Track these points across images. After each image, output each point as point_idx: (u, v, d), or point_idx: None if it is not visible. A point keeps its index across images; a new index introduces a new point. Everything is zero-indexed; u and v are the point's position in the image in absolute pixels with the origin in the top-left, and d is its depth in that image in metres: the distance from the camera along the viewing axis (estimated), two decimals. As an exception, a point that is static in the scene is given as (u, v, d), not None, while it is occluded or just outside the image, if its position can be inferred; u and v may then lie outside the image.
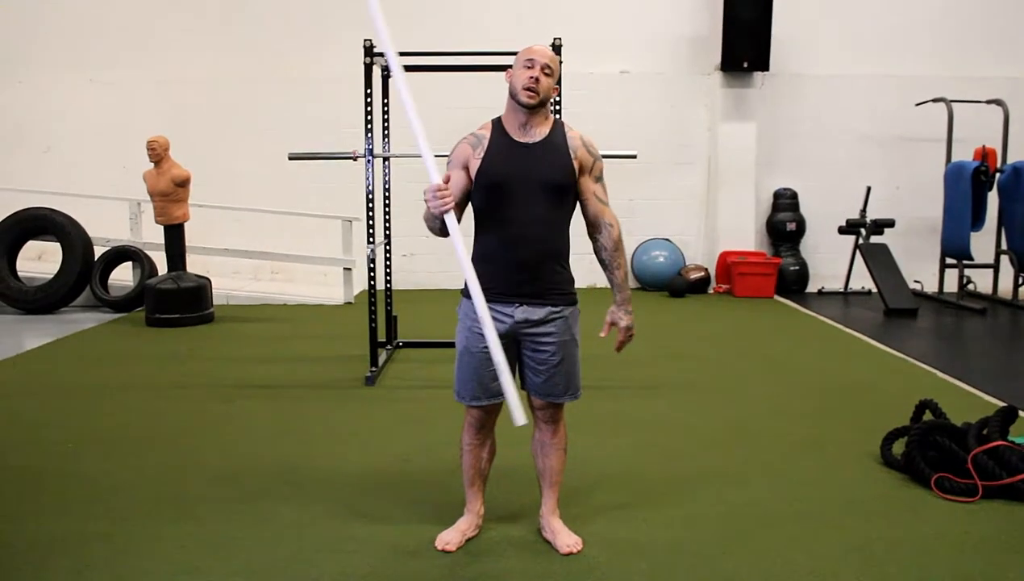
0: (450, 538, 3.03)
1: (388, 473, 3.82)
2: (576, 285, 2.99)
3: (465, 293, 2.89)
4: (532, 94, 2.77)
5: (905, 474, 3.74)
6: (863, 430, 4.31)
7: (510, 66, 2.86)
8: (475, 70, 5.68)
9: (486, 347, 2.76)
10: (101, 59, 9.34)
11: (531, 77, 2.77)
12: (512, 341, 2.89)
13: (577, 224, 2.96)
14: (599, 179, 2.95)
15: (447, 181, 2.70)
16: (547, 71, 2.79)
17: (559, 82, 5.51)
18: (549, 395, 2.96)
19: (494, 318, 2.78)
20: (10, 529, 3.24)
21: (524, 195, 2.79)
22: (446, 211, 2.68)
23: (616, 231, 2.94)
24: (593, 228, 2.95)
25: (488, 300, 2.75)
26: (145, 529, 3.23)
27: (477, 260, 2.85)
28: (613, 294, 2.98)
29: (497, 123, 2.90)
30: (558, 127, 2.89)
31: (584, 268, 2.95)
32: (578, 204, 2.95)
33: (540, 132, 2.85)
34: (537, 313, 2.84)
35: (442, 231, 2.77)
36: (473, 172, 2.83)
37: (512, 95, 2.82)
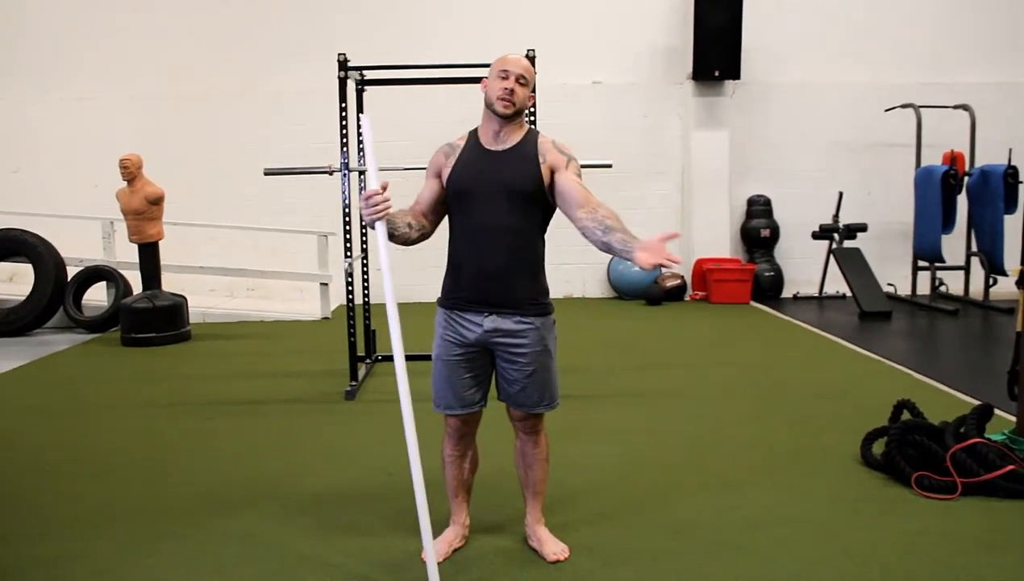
0: (436, 549, 2.99)
1: (371, 486, 3.80)
2: (551, 295, 2.97)
3: (440, 302, 2.92)
4: (507, 104, 2.78)
5: (886, 474, 3.77)
6: (842, 431, 4.35)
7: (485, 77, 2.87)
8: (446, 83, 5.70)
9: (459, 354, 2.83)
10: (71, 77, 9.26)
11: (505, 88, 2.78)
12: (483, 350, 2.89)
13: (552, 233, 2.95)
14: (578, 176, 2.84)
15: (384, 188, 2.72)
16: (522, 80, 2.80)
17: (534, 92, 5.55)
18: (524, 405, 2.95)
19: (464, 327, 2.83)
20: (-12, 553, 3.19)
21: (491, 203, 2.79)
22: (377, 220, 2.71)
23: (613, 209, 2.75)
24: (584, 208, 2.72)
25: (457, 308, 2.84)
26: (126, 548, 3.19)
27: (449, 269, 2.90)
28: (632, 245, 2.60)
29: (473, 133, 2.94)
30: (530, 136, 2.88)
31: (560, 278, 2.92)
32: (559, 209, 2.85)
33: (511, 140, 2.86)
34: (507, 323, 2.83)
35: (401, 240, 2.84)
36: (445, 179, 2.87)
37: (487, 105, 2.84)
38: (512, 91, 2.78)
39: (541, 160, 2.83)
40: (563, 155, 2.87)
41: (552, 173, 2.84)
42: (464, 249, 2.85)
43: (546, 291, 2.93)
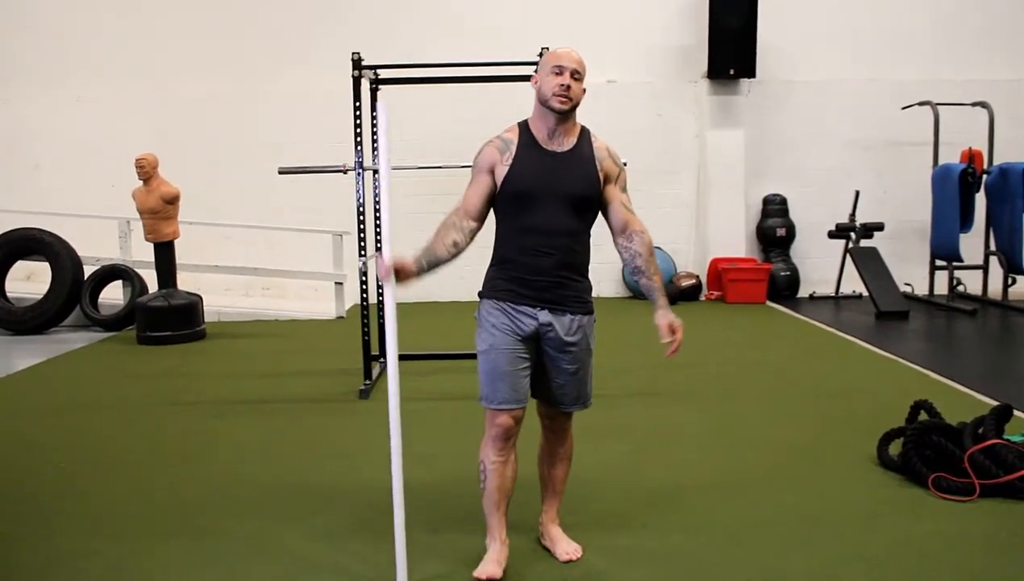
0: (490, 572, 2.87)
1: (384, 486, 3.79)
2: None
3: (481, 294, 2.87)
4: (564, 100, 2.72)
5: (902, 475, 3.74)
6: (859, 432, 4.31)
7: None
8: (460, 82, 5.70)
9: (518, 343, 2.77)
10: (89, 77, 9.33)
11: (561, 84, 2.71)
12: (535, 344, 2.83)
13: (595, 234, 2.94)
14: (624, 189, 2.92)
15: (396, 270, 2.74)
16: (576, 75, 2.74)
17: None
18: (561, 403, 2.93)
19: (519, 320, 2.78)
20: (4, 548, 3.21)
21: (550, 205, 2.74)
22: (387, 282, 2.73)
23: (648, 237, 2.89)
24: (622, 236, 2.89)
25: (510, 301, 2.79)
26: (139, 546, 3.21)
27: (498, 264, 2.85)
28: (655, 298, 2.87)
29: (524, 128, 2.84)
30: (585, 136, 2.86)
31: (593, 278, 2.90)
32: (600, 214, 2.90)
33: (568, 141, 2.81)
34: (559, 320, 2.80)
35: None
36: (499, 178, 2.78)
37: (542, 102, 2.77)
38: (568, 87, 2.72)
39: (598, 165, 2.83)
40: (616, 165, 2.88)
41: (605, 180, 2.85)
42: (517, 249, 2.78)
43: (591, 289, 2.93)
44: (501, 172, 2.78)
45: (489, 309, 2.83)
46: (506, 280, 2.80)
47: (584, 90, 2.80)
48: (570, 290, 2.82)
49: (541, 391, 2.94)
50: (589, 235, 2.89)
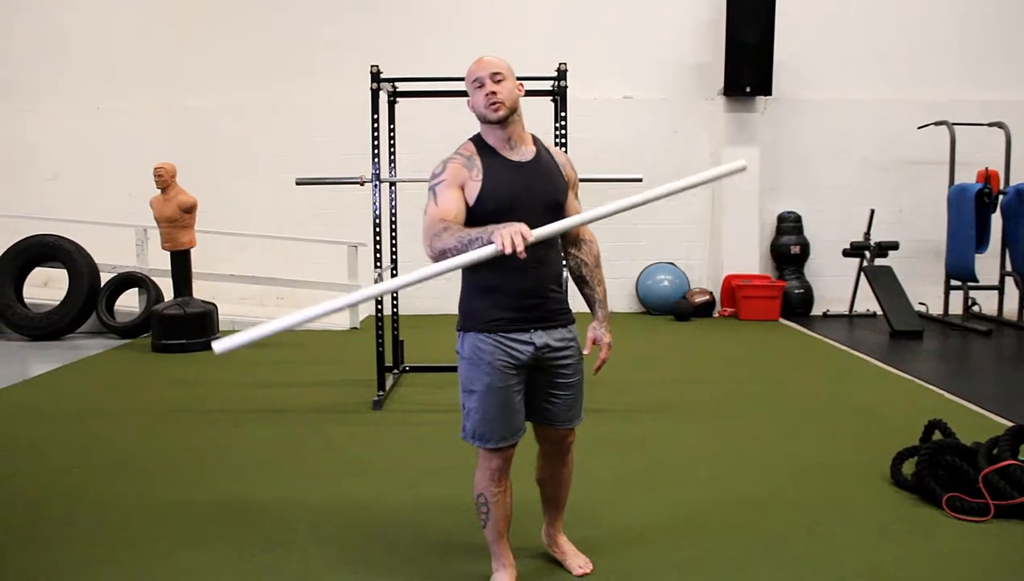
0: None
1: (396, 497, 3.81)
2: (577, 310, 2.93)
3: (464, 327, 2.75)
4: (497, 104, 2.64)
5: (916, 494, 3.72)
6: (872, 451, 4.29)
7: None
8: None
9: (514, 380, 2.69)
10: (108, 87, 9.43)
11: (487, 94, 2.63)
12: (528, 372, 2.75)
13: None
14: (577, 196, 2.90)
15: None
16: (497, 78, 2.64)
17: (566, 104, 5.57)
18: (564, 421, 2.85)
19: (514, 349, 2.68)
20: (18, 553, 3.23)
21: (527, 216, 2.52)
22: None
23: (596, 247, 2.91)
24: (572, 244, 2.89)
25: (501, 330, 2.68)
26: (152, 554, 3.23)
27: (480, 293, 2.73)
28: (594, 311, 2.90)
29: (479, 142, 2.74)
30: (539, 143, 2.81)
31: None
32: None
33: (527, 149, 2.75)
34: (552, 337, 2.74)
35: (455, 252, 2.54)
36: (472, 195, 2.65)
37: (482, 119, 2.70)
38: (494, 92, 2.63)
39: (562, 171, 2.82)
40: (574, 172, 2.89)
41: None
42: (499, 268, 2.58)
43: (567, 299, 2.91)
44: (473, 188, 2.65)
45: (481, 345, 2.69)
46: (493, 307, 2.69)
47: (520, 86, 2.71)
48: (556, 303, 2.78)
49: (539, 413, 2.84)
50: (558, 245, 2.88)
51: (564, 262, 2.94)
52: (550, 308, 2.76)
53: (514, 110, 2.68)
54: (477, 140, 2.76)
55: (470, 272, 2.73)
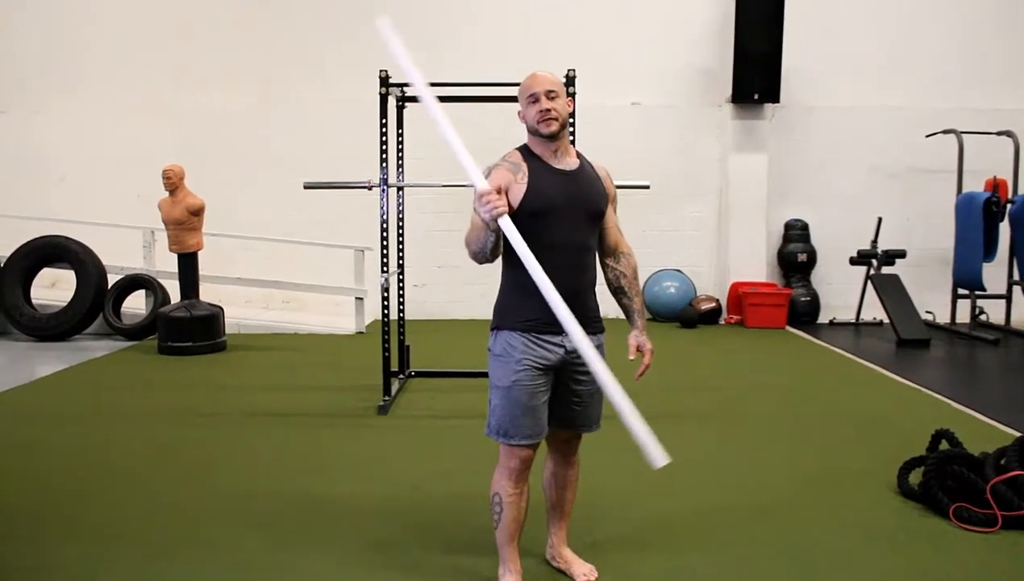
0: None
1: (401, 501, 3.81)
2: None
3: (499, 326, 2.80)
4: (550, 121, 2.72)
5: (922, 504, 3.71)
6: (879, 460, 4.28)
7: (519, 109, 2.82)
8: (488, 101, 5.77)
9: (542, 379, 2.73)
10: (116, 88, 9.45)
11: (541, 110, 2.72)
12: (553, 373, 2.78)
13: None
14: (615, 210, 2.98)
15: (499, 190, 2.57)
16: (552, 95, 2.73)
17: (573, 114, 5.57)
18: (583, 425, 2.91)
19: (546, 349, 2.73)
20: (23, 554, 3.24)
21: (570, 222, 2.73)
22: (501, 214, 2.55)
23: (634, 259, 2.98)
24: (611, 256, 2.96)
25: (535, 330, 2.72)
26: (156, 555, 3.23)
27: (514, 291, 2.78)
28: (633, 320, 2.96)
29: (526, 151, 2.82)
30: (582, 155, 2.90)
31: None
32: None
33: (571, 160, 2.83)
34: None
35: (492, 252, 2.67)
36: (516, 198, 2.70)
37: (532, 132, 2.78)
38: (549, 109, 2.72)
39: (603, 183, 2.88)
40: (612, 186, 2.94)
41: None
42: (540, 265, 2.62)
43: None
44: (518, 190, 2.71)
45: (511, 341, 2.75)
46: (528, 308, 2.72)
47: (570, 103, 2.79)
48: (589, 310, 2.82)
49: (559, 416, 2.87)
50: (596, 253, 2.93)
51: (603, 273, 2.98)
52: (586, 315, 2.79)
53: (564, 126, 2.77)
54: (524, 149, 2.84)
55: (509, 270, 2.81)
